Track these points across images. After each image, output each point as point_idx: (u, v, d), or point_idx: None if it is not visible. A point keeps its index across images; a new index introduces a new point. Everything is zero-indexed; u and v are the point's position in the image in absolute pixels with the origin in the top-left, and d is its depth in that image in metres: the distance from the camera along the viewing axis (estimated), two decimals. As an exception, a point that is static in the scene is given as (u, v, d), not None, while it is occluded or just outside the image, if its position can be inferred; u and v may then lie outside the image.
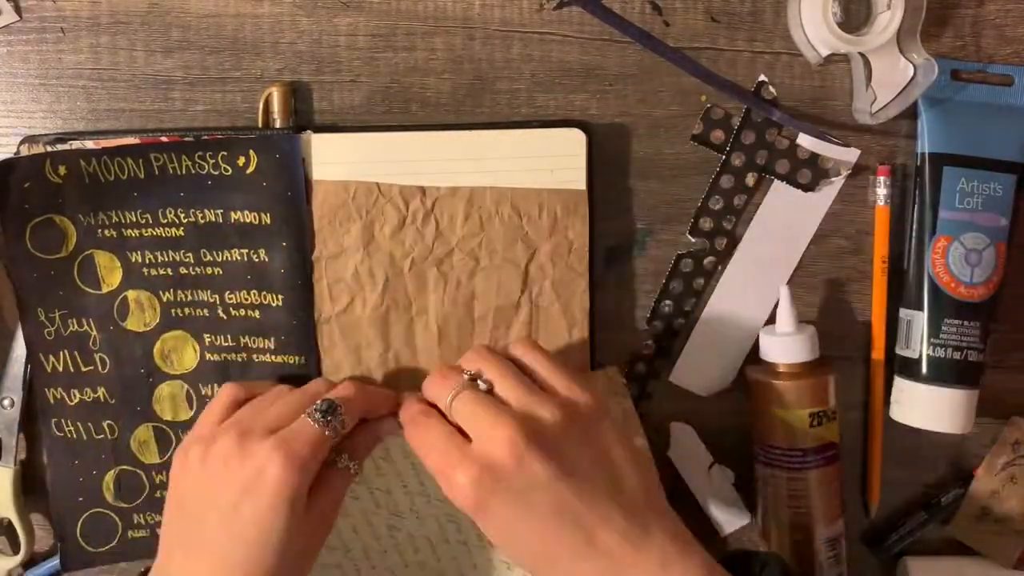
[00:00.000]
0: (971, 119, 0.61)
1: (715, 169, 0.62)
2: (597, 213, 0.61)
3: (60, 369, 0.61)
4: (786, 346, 0.60)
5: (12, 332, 0.62)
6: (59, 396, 0.62)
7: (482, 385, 0.54)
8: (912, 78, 0.60)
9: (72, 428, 0.62)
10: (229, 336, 0.62)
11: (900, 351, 0.63)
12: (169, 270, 0.61)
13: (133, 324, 0.62)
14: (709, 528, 0.63)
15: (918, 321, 0.61)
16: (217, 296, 0.61)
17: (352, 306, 0.61)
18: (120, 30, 0.61)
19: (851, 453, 0.64)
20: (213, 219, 0.60)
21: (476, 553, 0.60)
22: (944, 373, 0.61)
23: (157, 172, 0.59)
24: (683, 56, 0.60)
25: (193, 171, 0.59)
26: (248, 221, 0.60)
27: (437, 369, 0.56)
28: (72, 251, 0.61)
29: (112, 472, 0.62)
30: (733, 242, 0.63)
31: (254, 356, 0.62)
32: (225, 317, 0.61)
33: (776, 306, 0.62)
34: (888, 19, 0.59)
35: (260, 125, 0.61)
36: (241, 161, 0.59)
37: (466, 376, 0.54)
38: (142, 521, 0.63)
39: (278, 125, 0.60)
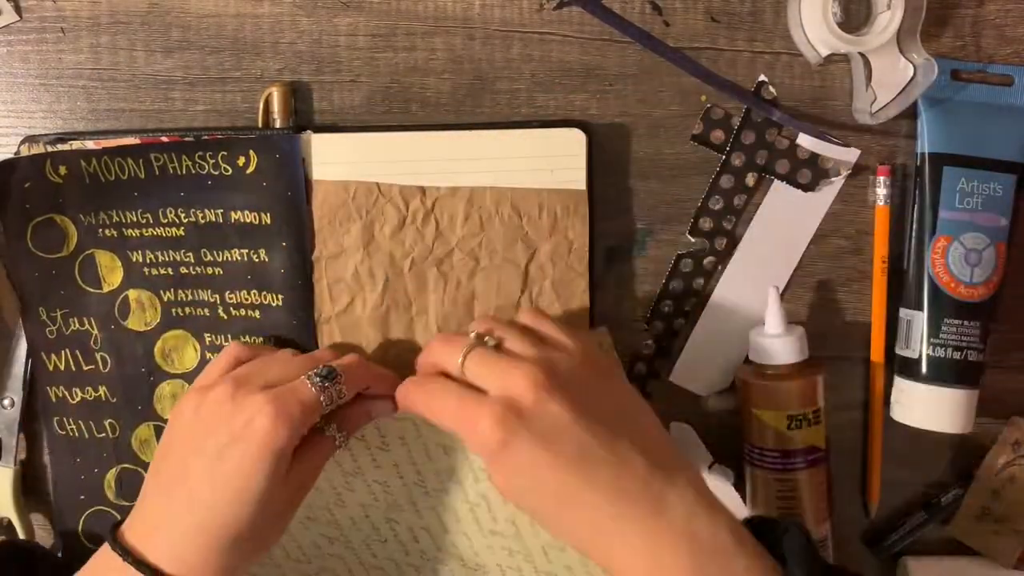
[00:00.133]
0: (971, 119, 0.61)
1: (715, 169, 0.62)
2: (597, 213, 0.61)
3: (62, 368, 0.62)
4: (766, 347, 0.60)
5: (12, 332, 0.62)
6: (61, 395, 0.62)
7: (491, 341, 0.53)
8: (912, 78, 0.60)
9: (74, 427, 0.62)
10: (229, 336, 0.62)
11: (900, 351, 0.63)
12: (170, 270, 0.61)
13: (134, 323, 0.62)
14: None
15: (918, 321, 0.61)
16: (217, 296, 0.61)
17: (352, 306, 0.61)
18: (120, 30, 0.61)
19: (851, 453, 0.64)
20: (213, 219, 0.60)
21: (476, 540, 0.61)
22: (944, 373, 0.61)
23: (157, 172, 0.60)
24: (683, 56, 0.60)
25: (193, 171, 0.60)
26: (248, 221, 0.60)
27: (438, 336, 0.55)
28: (73, 251, 0.61)
29: (113, 471, 0.63)
30: (733, 242, 0.63)
31: (254, 356, 0.62)
32: (225, 317, 0.62)
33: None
34: (888, 19, 0.59)
35: (260, 125, 0.61)
36: (241, 161, 0.59)
37: (472, 336, 0.53)
38: (143, 520, 0.63)
39: (278, 125, 0.60)
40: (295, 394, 0.52)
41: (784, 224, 0.63)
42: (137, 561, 0.50)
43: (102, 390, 0.62)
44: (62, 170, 0.59)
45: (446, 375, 0.53)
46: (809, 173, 0.62)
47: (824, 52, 0.60)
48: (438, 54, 0.61)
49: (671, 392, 0.64)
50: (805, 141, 0.62)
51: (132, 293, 0.61)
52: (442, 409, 0.52)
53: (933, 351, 0.61)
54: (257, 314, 0.61)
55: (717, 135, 0.62)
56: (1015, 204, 0.61)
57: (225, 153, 0.59)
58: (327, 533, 0.59)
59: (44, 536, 0.64)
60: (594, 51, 0.61)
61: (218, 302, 0.61)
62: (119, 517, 0.62)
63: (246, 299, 0.61)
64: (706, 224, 0.62)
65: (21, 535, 0.63)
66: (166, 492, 0.53)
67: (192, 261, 0.61)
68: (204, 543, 0.50)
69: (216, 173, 0.60)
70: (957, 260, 0.61)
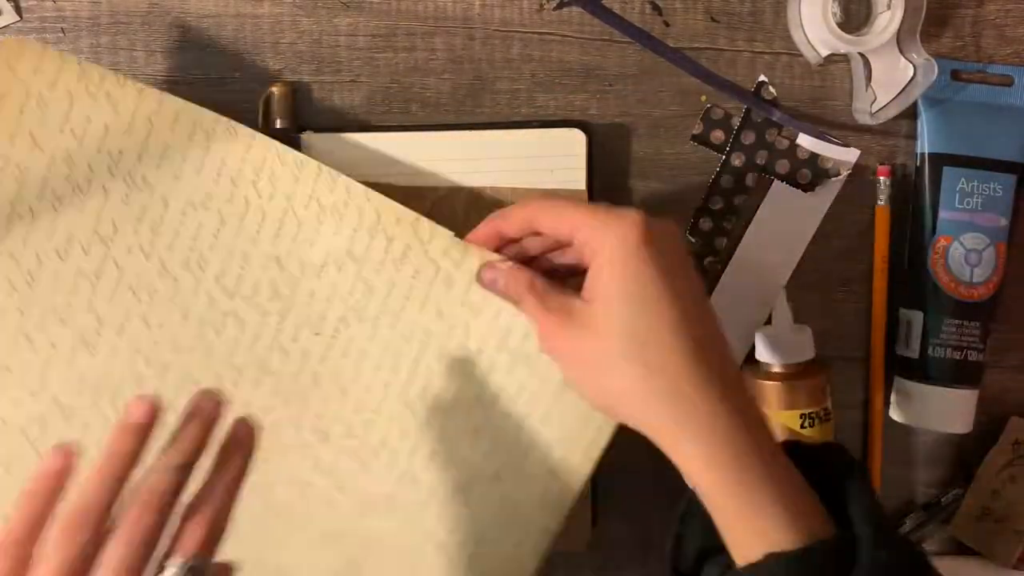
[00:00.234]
0: (971, 119, 0.61)
1: (715, 169, 0.62)
2: (597, 213, 0.61)
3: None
4: (774, 347, 0.60)
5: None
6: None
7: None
8: (912, 78, 0.60)
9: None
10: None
11: (900, 351, 0.63)
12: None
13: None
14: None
15: (918, 321, 0.61)
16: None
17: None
18: (120, 30, 0.61)
19: (851, 453, 0.64)
20: (213, 219, 0.60)
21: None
22: (944, 373, 0.61)
23: (157, 172, 0.60)
24: (683, 56, 0.60)
25: (193, 171, 0.59)
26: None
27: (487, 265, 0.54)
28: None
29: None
30: (733, 242, 0.63)
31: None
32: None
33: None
34: (888, 19, 0.59)
35: (260, 125, 0.61)
36: (241, 161, 0.59)
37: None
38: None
39: (278, 125, 0.60)
40: None
41: (784, 224, 0.63)
42: None
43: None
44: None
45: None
46: (809, 173, 0.62)
47: (824, 52, 0.60)
48: (438, 54, 0.61)
49: (671, 392, 0.64)
50: (805, 141, 0.62)
51: None
52: (574, 211, 0.50)
53: (933, 351, 0.61)
54: None
55: (717, 135, 0.62)
56: (1015, 204, 0.62)
57: (225, 153, 0.59)
58: None
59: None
60: (594, 51, 0.61)
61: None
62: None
63: None
64: (706, 224, 0.62)
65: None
66: None
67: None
68: None
69: (216, 173, 0.59)
70: (957, 260, 0.61)
